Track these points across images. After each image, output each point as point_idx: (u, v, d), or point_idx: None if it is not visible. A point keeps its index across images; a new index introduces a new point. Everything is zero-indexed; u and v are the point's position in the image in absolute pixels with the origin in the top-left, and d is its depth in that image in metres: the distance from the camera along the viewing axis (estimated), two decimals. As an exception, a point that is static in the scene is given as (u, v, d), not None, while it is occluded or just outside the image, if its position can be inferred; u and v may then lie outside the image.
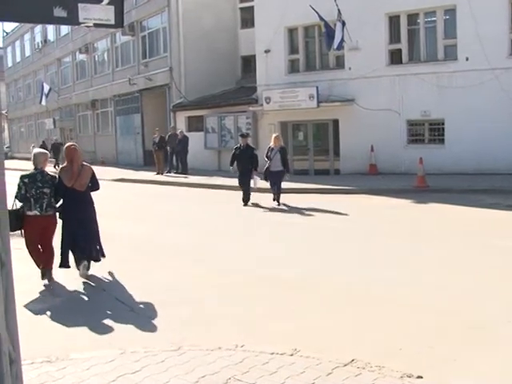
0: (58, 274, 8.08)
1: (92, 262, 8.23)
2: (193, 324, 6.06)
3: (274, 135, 16.31)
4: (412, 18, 20.56)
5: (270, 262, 8.84)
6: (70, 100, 41.19)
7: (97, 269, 8.41)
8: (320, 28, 21.38)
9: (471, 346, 5.21)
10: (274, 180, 15.54)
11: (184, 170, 25.00)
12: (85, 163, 8.29)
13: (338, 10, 19.92)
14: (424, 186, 16.85)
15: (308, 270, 8.27)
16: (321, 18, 20.19)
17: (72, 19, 3.38)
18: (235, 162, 15.91)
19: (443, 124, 20.12)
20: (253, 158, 15.65)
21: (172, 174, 25.08)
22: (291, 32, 23.32)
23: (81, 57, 38.92)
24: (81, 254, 8.11)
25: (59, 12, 3.33)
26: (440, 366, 4.77)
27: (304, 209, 14.39)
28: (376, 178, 19.66)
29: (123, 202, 17.88)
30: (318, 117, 22.09)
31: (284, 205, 15.27)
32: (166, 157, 26.10)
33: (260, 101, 23.43)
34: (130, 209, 16.23)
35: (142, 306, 6.76)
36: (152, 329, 5.97)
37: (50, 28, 43.15)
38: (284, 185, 15.85)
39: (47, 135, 45.06)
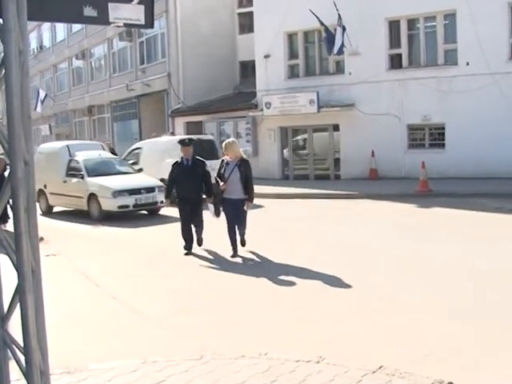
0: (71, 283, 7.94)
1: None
2: (212, 331, 5.94)
3: (225, 142, 10.09)
4: (412, 22, 20.56)
5: (294, 269, 8.70)
6: (66, 106, 41.00)
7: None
8: (320, 33, 21.39)
9: (501, 351, 5.11)
10: (232, 214, 9.76)
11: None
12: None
13: (339, 15, 19.90)
14: (426, 191, 16.79)
15: (329, 277, 8.12)
16: (321, 23, 20.17)
17: (102, 19, 3.32)
18: (174, 189, 10.61)
19: (443, 128, 20.09)
20: (205, 178, 10.33)
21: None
22: (291, 37, 23.28)
23: (77, 63, 38.78)
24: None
25: (89, 12, 3.27)
26: (468, 372, 4.69)
27: (302, 219, 14.25)
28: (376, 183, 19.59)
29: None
30: (319, 122, 22.03)
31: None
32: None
33: (260, 106, 23.35)
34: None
35: (156, 313, 6.63)
36: (169, 337, 5.85)
37: (46, 34, 43.05)
38: (284, 190, 14.67)
39: (42, 141, 44.83)
